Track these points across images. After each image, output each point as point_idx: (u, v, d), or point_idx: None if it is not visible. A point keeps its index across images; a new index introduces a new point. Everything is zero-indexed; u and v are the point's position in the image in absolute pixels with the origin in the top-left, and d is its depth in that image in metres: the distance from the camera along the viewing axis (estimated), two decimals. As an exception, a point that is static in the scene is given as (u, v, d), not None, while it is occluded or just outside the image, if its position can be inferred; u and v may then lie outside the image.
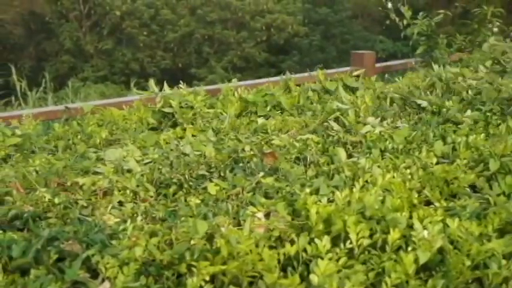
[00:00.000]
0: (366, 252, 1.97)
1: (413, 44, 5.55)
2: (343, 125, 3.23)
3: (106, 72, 24.95)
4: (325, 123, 3.28)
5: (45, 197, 2.29)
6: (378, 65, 6.56)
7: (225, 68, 26.27)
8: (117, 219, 2.14)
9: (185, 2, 27.07)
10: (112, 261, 1.78)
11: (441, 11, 5.63)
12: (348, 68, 6.65)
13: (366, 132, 3.02)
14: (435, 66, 4.05)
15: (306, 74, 4.96)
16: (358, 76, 5.05)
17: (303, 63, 23.95)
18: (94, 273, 1.80)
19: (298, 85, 4.44)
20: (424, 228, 2.01)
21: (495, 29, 5.59)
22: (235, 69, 26.01)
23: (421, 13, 5.57)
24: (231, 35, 26.70)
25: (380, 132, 2.99)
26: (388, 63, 6.70)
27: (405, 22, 5.59)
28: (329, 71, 6.83)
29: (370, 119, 3.16)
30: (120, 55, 25.68)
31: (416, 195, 2.32)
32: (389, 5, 5.64)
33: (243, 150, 2.85)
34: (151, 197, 2.42)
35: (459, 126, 3.05)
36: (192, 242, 1.93)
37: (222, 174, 2.65)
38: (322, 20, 27.07)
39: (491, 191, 2.37)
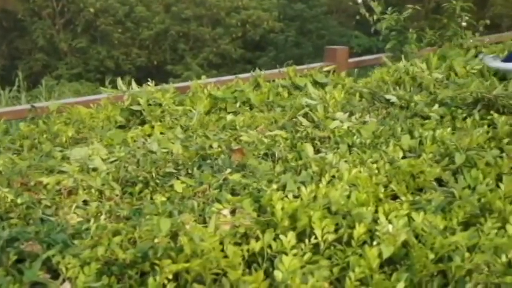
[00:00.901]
0: (332, 247, 1.97)
1: (384, 38, 5.57)
2: (312, 121, 3.24)
3: (80, 70, 24.76)
4: (294, 119, 3.28)
5: (7, 197, 2.26)
6: (350, 60, 6.58)
7: (201, 65, 26.19)
8: (80, 219, 2.12)
9: (160, -2, 26.93)
10: (73, 261, 1.76)
11: (411, 6, 5.66)
12: (320, 64, 6.67)
13: (334, 128, 3.02)
14: (402, 61, 4.07)
15: (276, 70, 4.95)
16: (328, 72, 5.05)
17: (278, 59, 23.90)
18: (55, 274, 1.78)
19: (269, 81, 4.44)
20: (389, 222, 2.02)
21: (464, 23, 5.63)
22: (211, 66, 25.95)
23: (389, 8, 5.59)
24: (206, 32, 26.63)
25: (348, 127, 3.00)
26: (361, 58, 6.72)
27: (375, 17, 5.62)
28: (301, 66, 6.87)
29: (339, 114, 3.16)
30: (94, 53, 25.50)
31: (382, 190, 2.34)
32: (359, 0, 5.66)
33: (211, 147, 2.85)
34: (117, 195, 2.40)
35: (426, 120, 3.07)
36: (156, 240, 1.92)
37: (189, 171, 2.64)
38: (298, 16, 27.09)
39: (456, 185, 2.38)
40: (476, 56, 4.23)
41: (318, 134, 2.99)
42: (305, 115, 3.31)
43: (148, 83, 3.94)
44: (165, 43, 26.56)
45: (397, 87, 3.74)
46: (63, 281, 1.74)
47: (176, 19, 26.70)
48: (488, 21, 6.15)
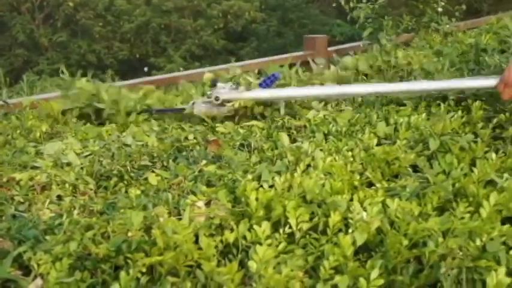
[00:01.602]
0: (307, 236, 1.97)
1: (360, 26, 5.58)
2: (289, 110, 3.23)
3: (62, 65, 24.57)
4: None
5: (-21, 195, 2.24)
6: (330, 48, 6.59)
7: (184, 57, 26.13)
8: (53, 214, 2.10)
9: (140, -9, 26.79)
10: (45, 257, 1.74)
11: (387, -8, 5.67)
12: (301, 53, 6.68)
13: (311, 117, 3.02)
14: (375, 47, 4.07)
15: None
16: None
17: (261, 49, 23.97)
18: (27, 271, 1.77)
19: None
20: (364, 209, 2.02)
21: (440, 9, 5.64)
22: (193, 58, 25.89)
23: None
24: (188, 24, 26.56)
25: (324, 115, 2.99)
26: (340, 46, 6.74)
27: (351, 5, 5.62)
28: (282, 56, 6.88)
29: (315, 103, 3.16)
30: (75, 47, 25.37)
31: (357, 177, 2.34)
32: (336, -12, 5.66)
33: (187, 138, 2.83)
34: (91, 189, 2.39)
35: (402, 107, 3.07)
36: (129, 234, 1.91)
37: (164, 164, 2.62)
38: (279, 6, 27.08)
39: (431, 170, 2.38)
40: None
41: (294, 123, 2.98)
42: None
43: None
44: (147, 36, 26.46)
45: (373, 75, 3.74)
46: (35, 277, 1.73)
47: (157, 11, 26.61)
48: (464, 7, 6.18)
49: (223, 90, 3.12)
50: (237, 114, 3.14)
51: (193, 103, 3.17)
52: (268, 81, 3.23)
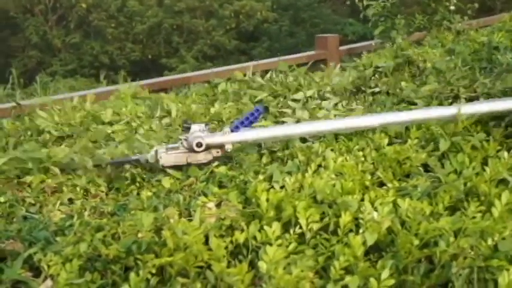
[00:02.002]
0: (317, 237, 1.97)
1: (373, 25, 5.57)
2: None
3: (75, 66, 24.73)
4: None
5: (-10, 196, 2.26)
6: (341, 48, 6.59)
7: (196, 57, 26.16)
8: (63, 216, 2.11)
9: (152, -8, 26.88)
10: (55, 258, 1.76)
11: (399, -9, 5.66)
12: (313, 52, 6.67)
13: (322, 116, 3.01)
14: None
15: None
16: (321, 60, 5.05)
17: (273, 49, 23.94)
18: (37, 272, 1.78)
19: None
20: (375, 209, 2.02)
21: (452, 7, 5.62)
22: (205, 58, 25.92)
23: None
24: (200, 24, 26.59)
25: (335, 115, 2.99)
26: (351, 45, 6.73)
27: (365, 3, 5.61)
28: (293, 55, 6.87)
29: (325, 103, 3.15)
30: (88, 48, 25.47)
31: (369, 177, 2.33)
32: (348, -14, 5.66)
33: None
34: (102, 191, 2.40)
35: (413, 106, 3.05)
36: (139, 235, 1.91)
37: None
38: (291, 5, 27.04)
39: (442, 170, 2.37)
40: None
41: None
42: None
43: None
44: (159, 36, 26.53)
45: (384, 74, 3.71)
46: (45, 278, 1.74)
47: (169, 12, 26.66)
48: (476, 5, 6.15)
49: (203, 134, 2.64)
50: (214, 160, 2.66)
51: (155, 151, 2.63)
52: (252, 118, 2.81)
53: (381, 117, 2.70)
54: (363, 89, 3.50)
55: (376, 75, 3.65)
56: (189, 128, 2.66)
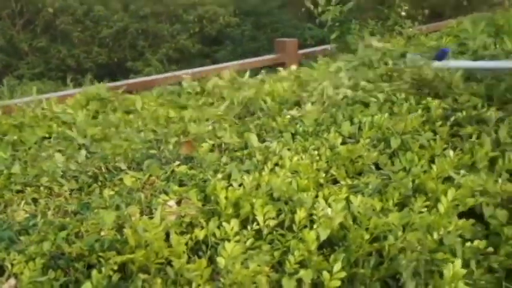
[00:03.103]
0: (274, 232, 1.98)
1: (329, 29, 5.61)
2: (261, 111, 3.23)
3: (42, 69, 24.38)
4: (245, 109, 3.28)
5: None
6: (300, 51, 6.62)
7: (161, 61, 26.05)
8: (27, 215, 2.09)
9: (118, -3, 26.67)
10: (19, 257, 1.74)
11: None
12: (273, 56, 6.69)
13: (280, 117, 3.02)
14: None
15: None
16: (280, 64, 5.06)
17: (236, 52, 23.95)
18: (1, 271, 1.76)
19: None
20: (329, 206, 2.04)
21: (403, 13, 5.69)
22: (170, 61, 25.81)
23: (333, 0, 5.63)
24: (164, 28, 26.48)
25: (292, 116, 3.00)
26: (309, 49, 6.76)
27: (320, 9, 5.65)
28: (255, 58, 6.89)
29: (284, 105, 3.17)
30: (55, 52, 25.14)
31: (323, 175, 2.35)
32: (305, -8, 5.70)
33: (160, 140, 2.83)
34: (66, 191, 2.37)
35: (367, 107, 3.08)
36: (102, 233, 1.90)
37: (138, 165, 2.61)
38: (253, 11, 27.10)
39: (392, 167, 2.41)
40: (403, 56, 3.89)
41: (264, 124, 2.98)
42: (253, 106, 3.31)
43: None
44: (125, 40, 26.33)
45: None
46: (9, 277, 1.71)
47: (135, 17, 26.50)
48: (426, 11, 6.25)
49: None
50: None
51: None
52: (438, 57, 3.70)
53: None
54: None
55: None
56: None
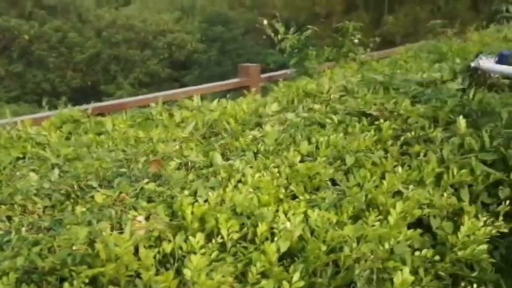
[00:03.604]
0: (237, 245, 1.98)
1: (287, 56, 5.67)
2: (225, 132, 3.24)
3: (18, 93, 24.11)
4: (210, 130, 3.28)
5: None
6: (262, 75, 6.67)
7: (132, 84, 25.98)
8: (1, 232, 2.05)
9: (91, 25, 26.60)
10: (-7, 272, 1.70)
11: (310, 26, 5.79)
12: (237, 80, 6.72)
13: (243, 137, 3.03)
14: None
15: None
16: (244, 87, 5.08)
17: (203, 76, 24.02)
18: (-25, 286, 1.72)
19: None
20: (288, 219, 2.05)
21: (356, 41, 5.79)
22: (141, 85, 25.77)
23: (292, 29, 5.71)
24: (135, 54, 26.46)
25: (254, 136, 3.01)
26: (271, 74, 6.82)
27: (280, 37, 5.72)
28: (221, 82, 6.91)
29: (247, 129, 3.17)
30: (31, 76, 24.91)
31: (283, 191, 2.36)
32: (265, 22, 5.75)
33: (130, 160, 2.81)
34: (39, 208, 2.33)
35: (324, 128, 3.11)
36: (74, 247, 1.88)
37: (109, 183, 2.59)
38: (218, 37, 27.26)
39: (347, 183, 2.44)
40: (477, 56, 3.78)
41: (228, 144, 2.99)
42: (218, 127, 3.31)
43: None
44: (98, 65, 26.25)
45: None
46: (-17, 291, 1.68)
47: (107, 43, 26.43)
48: (377, 39, 6.37)
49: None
50: None
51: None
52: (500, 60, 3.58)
53: None
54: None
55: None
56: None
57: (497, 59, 3.60)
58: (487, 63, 3.57)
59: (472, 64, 3.67)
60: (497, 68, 3.50)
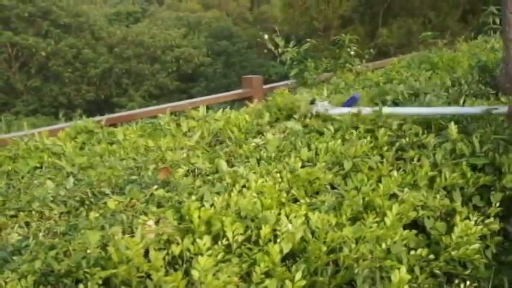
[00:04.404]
0: (242, 247, 1.97)
1: (288, 67, 5.68)
2: (229, 140, 3.23)
3: (36, 106, 24.19)
4: (215, 139, 3.28)
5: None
6: (265, 86, 6.66)
7: (143, 96, 26.01)
8: (20, 237, 2.04)
9: (103, 41, 26.70)
10: (12, 275, 1.70)
11: (309, 40, 5.81)
12: (241, 91, 6.72)
13: (247, 145, 3.02)
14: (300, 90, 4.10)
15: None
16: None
17: (209, 88, 24.07)
18: (-5, 289, 1.71)
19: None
20: (290, 222, 2.03)
21: (352, 52, 5.79)
22: (151, 97, 25.81)
23: (291, 42, 5.72)
24: (145, 68, 26.53)
25: (257, 143, 3.00)
26: (273, 84, 6.80)
27: (280, 50, 5.73)
28: (224, 94, 6.91)
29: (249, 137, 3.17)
30: (48, 90, 24.99)
31: (285, 195, 2.35)
32: (266, 36, 5.77)
33: (140, 167, 2.80)
34: (55, 214, 2.33)
35: (322, 135, 3.10)
36: (88, 251, 1.87)
37: (120, 189, 2.58)
38: (223, 51, 27.32)
39: (345, 187, 2.42)
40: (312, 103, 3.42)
41: (233, 151, 2.98)
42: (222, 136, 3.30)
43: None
44: (110, 79, 26.32)
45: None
46: (3, 293, 1.67)
47: (119, 58, 26.51)
48: (372, 50, 6.37)
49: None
50: None
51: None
52: (350, 103, 3.40)
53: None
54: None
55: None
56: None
57: (347, 101, 3.51)
58: (323, 107, 3.38)
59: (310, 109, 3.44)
60: (333, 111, 3.35)
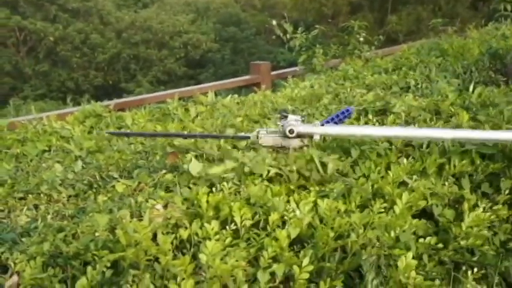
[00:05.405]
0: (250, 232, 1.97)
1: (296, 54, 5.66)
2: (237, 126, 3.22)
3: (44, 91, 24.24)
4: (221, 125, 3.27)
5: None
6: (273, 73, 6.65)
7: (151, 82, 26.00)
8: (29, 219, 2.05)
9: (112, 26, 26.67)
10: (21, 256, 1.71)
11: (318, 26, 5.77)
12: (248, 77, 6.71)
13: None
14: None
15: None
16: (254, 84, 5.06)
17: (217, 74, 24.03)
18: (5, 269, 1.72)
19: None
20: (298, 208, 2.03)
21: (361, 39, 5.75)
22: (159, 83, 25.78)
23: (300, 28, 5.69)
24: (153, 54, 26.48)
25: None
26: (280, 71, 6.80)
27: (288, 36, 5.70)
28: (233, 79, 6.90)
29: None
30: (56, 75, 25.03)
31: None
32: (274, 22, 5.74)
33: (148, 152, 2.81)
34: (64, 197, 2.34)
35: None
36: (96, 234, 1.88)
37: (128, 173, 2.59)
38: (231, 37, 27.23)
39: (354, 175, 2.41)
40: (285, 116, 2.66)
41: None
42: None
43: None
44: (118, 65, 26.30)
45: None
46: (12, 274, 1.68)
47: (127, 44, 26.47)
48: (381, 37, 6.33)
49: (297, 123, 2.54)
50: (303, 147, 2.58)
51: (257, 132, 2.60)
52: (342, 116, 2.82)
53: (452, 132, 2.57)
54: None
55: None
56: (286, 117, 2.58)
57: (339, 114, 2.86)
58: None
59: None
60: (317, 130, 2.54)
